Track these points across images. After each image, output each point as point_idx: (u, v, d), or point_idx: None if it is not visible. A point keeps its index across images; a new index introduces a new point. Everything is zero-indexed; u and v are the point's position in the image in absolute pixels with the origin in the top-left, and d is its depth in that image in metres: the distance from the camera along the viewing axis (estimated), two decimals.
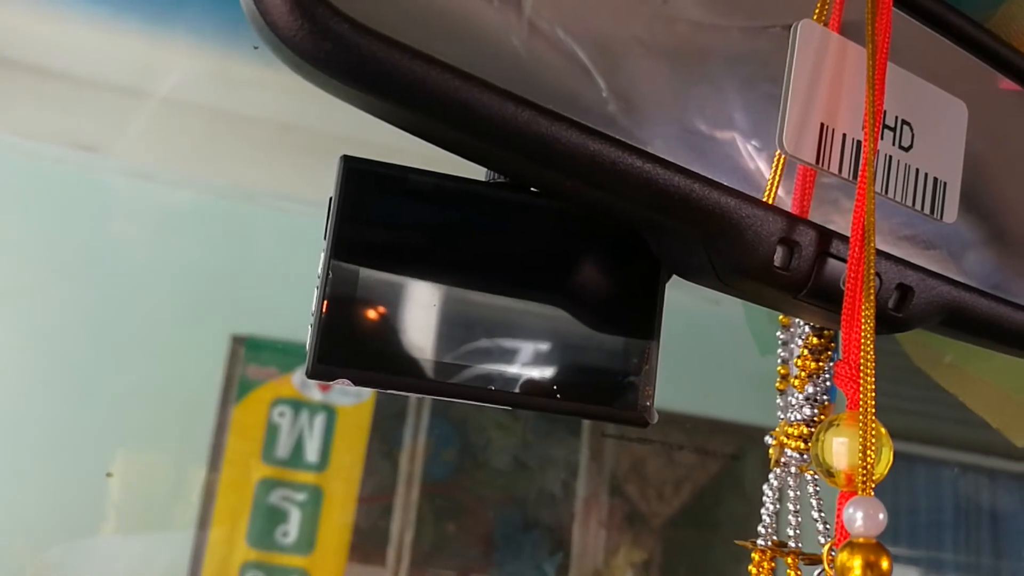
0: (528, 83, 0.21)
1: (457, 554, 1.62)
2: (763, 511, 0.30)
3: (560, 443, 1.67)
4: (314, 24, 0.16)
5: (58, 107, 1.43)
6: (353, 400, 1.66)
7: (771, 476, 0.30)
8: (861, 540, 0.20)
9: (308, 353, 0.24)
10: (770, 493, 0.30)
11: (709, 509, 1.61)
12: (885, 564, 0.20)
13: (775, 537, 0.30)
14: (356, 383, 0.24)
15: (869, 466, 0.20)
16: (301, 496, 1.63)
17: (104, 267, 1.57)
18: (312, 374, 0.23)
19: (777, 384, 0.31)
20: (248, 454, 1.62)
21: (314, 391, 1.65)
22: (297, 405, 1.65)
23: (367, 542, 1.64)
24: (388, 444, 1.69)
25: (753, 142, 0.25)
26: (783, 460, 0.30)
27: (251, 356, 1.65)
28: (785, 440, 0.29)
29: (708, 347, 1.20)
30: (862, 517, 0.20)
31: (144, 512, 1.52)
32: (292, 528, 1.60)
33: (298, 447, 1.66)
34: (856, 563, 0.20)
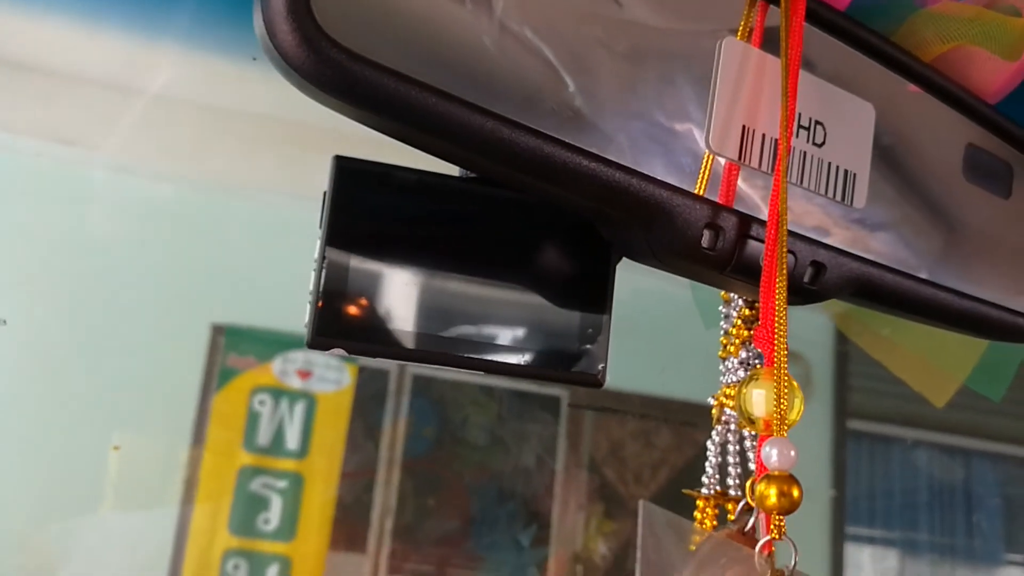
0: (501, 80, 0.25)
1: (437, 527, 1.67)
2: (706, 464, 0.34)
3: (535, 420, 1.72)
4: (318, 54, 0.20)
5: (38, 101, 1.44)
6: (333, 387, 1.69)
7: (713, 433, 0.34)
8: (776, 473, 0.24)
9: (308, 327, 0.28)
10: (712, 448, 0.34)
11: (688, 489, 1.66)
12: (796, 493, 0.24)
13: (718, 487, 0.34)
14: (349, 352, 0.28)
15: (782, 412, 0.24)
16: (282, 483, 1.65)
17: (85, 259, 1.58)
18: (312, 345, 0.27)
19: (720, 353, 0.35)
20: (229, 442, 1.64)
21: (294, 379, 1.67)
22: (277, 393, 1.67)
23: (348, 526, 1.68)
24: (369, 426, 1.72)
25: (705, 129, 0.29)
26: (723, 418, 0.34)
27: (231, 345, 1.67)
28: (724, 400, 0.34)
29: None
30: (776, 454, 0.24)
31: (130, 496, 1.54)
32: (274, 515, 1.63)
33: (279, 435, 1.68)
34: (772, 491, 0.24)
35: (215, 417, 1.66)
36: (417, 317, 0.28)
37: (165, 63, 1.27)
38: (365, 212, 0.29)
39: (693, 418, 1.69)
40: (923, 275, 0.33)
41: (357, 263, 0.28)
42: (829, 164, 0.30)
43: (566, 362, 0.29)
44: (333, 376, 1.65)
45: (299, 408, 1.69)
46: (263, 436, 1.66)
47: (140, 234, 1.59)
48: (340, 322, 0.28)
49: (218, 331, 1.67)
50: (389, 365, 1.69)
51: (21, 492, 1.47)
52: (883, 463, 2.07)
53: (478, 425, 1.66)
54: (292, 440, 1.68)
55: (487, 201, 0.30)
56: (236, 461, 1.65)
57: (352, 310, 0.28)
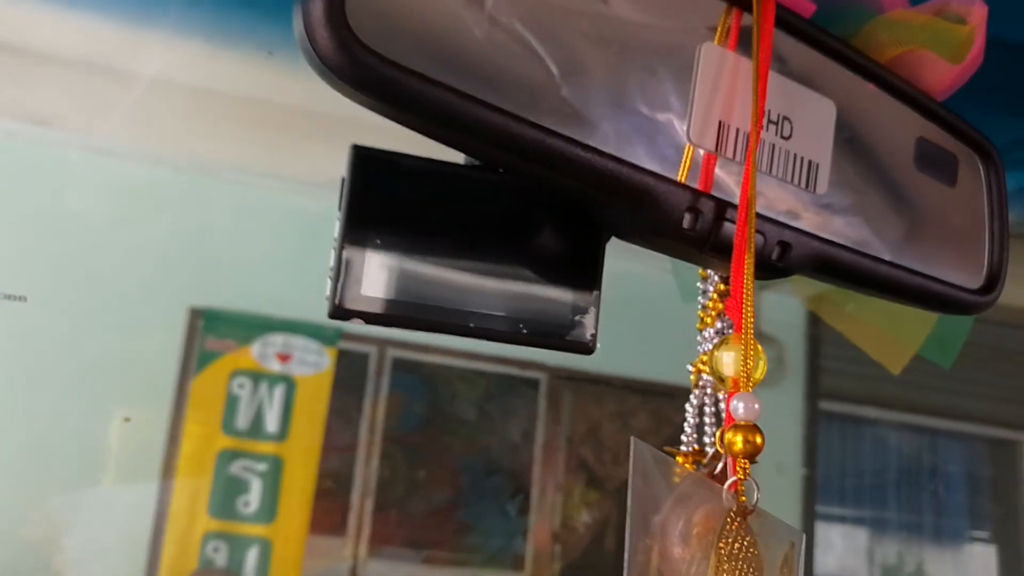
0: (507, 79, 0.28)
1: (426, 498, 1.70)
2: (685, 424, 0.38)
3: (520, 395, 1.75)
4: (353, 58, 0.24)
5: (13, 81, 1.44)
6: (312, 370, 1.70)
7: (692, 396, 0.38)
8: (742, 423, 0.28)
9: (329, 299, 0.31)
10: (690, 409, 0.38)
11: None
12: (759, 440, 0.28)
13: (696, 445, 0.38)
14: (367, 322, 0.31)
15: (748, 371, 0.28)
16: (262, 466, 1.66)
17: (62, 241, 1.59)
18: (333, 315, 0.31)
19: (698, 325, 0.39)
20: (208, 425, 1.65)
21: (273, 362, 1.68)
22: (256, 377, 1.68)
23: (328, 507, 1.70)
24: (349, 408, 1.74)
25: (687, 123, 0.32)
26: (700, 383, 0.38)
27: (209, 328, 1.67)
28: (701, 367, 0.37)
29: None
30: (743, 407, 0.28)
31: (109, 478, 1.55)
32: (253, 498, 1.64)
33: (258, 418, 1.68)
34: (738, 439, 0.28)
35: (194, 400, 1.67)
36: (427, 290, 0.32)
37: (148, 46, 1.28)
38: (380, 196, 0.32)
39: (671, 396, 1.73)
40: (882, 254, 0.36)
41: (372, 242, 0.31)
42: (795, 155, 0.33)
43: (561, 331, 0.33)
44: (312, 359, 1.67)
45: (278, 391, 1.70)
46: (242, 419, 1.67)
47: (118, 216, 1.58)
48: (358, 295, 0.31)
49: (196, 314, 1.67)
50: (369, 349, 1.71)
51: None
52: (854, 443, 2.13)
53: (466, 402, 1.70)
54: (272, 423, 1.69)
55: (490, 186, 0.33)
56: (215, 444, 1.66)
57: (368, 284, 0.31)
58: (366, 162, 0.32)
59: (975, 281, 0.39)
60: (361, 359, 1.75)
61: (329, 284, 0.32)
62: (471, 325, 0.32)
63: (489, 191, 0.33)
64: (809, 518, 1.96)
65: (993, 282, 0.39)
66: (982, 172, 0.40)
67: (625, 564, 0.24)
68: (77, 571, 1.47)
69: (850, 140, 0.37)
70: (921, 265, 0.38)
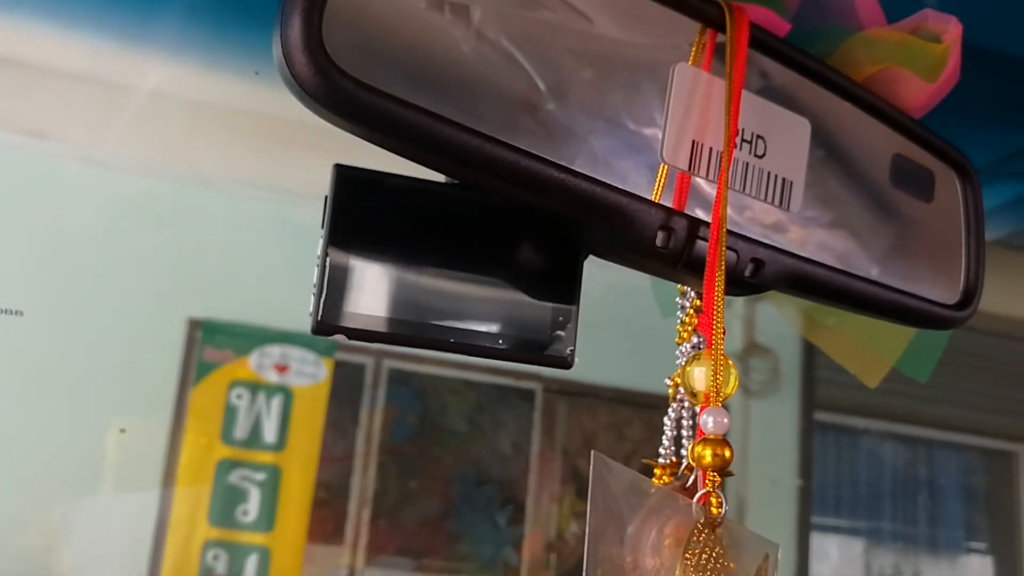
0: (485, 101, 0.28)
1: (419, 508, 1.70)
2: (663, 436, 0.38)
3: (510, 407, 1.76)
4: (330, 83, 0.24)
5: (11, 94, 1.45)
6: (309, 381, 1.71)
7: (669, 410, 0.39)
8: (711, 436, 0.28)
9: (312, 316, 0.32)
10: (668, 422, 0.38)
11: None
12: (727, 454, 0.28)
13: (673, 457, 0.39)
14: (350, 337, 0.32)
15: (718, 385, 0.29)
16: (260, 475, 1.67)
17: (60, 253, 1.59)
18: (316, 331, 0.31)
19: (676, 340, 0.39)
20: (207, 435, 1.65)
21: (271, 373, 1.69)
22: (254, 387, 1.69)
23: (326, 517, 1.70)
24: (345, 419, 1.75)
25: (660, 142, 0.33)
26: (678, 397, 0.38)
27: (207, 339, 1.68)
28: (678, 380, 0.38)
29: None
30: (712, 421, 0.28)
31: (109, 488, 1.55)
32: (252, 507, 1.65)
33: (256, 428, 1.69)
34: (707, 452, 0.28)
35: (193, 411, 1.68)
36: (409, 306, 0.32)
37: (146, 61, 1.29)
38: (362, 214, 0.33)
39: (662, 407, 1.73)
40: (859, 270, 0.37)
41: (355, 258, 0.32)
42: (768, 173, 0.34)
43: (540, 346, 0.33)
44: (310, 370, 1.68)
45: (276, 402, 1.70)
46: (241, 429, 1.68)
47: (114, 228, 1.59)
48: (341, 311, 0.32)
49: (195, 325, 1.68)
50: (365, 360, 1.71)
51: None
52: (849, 454, 2.13)
53: (458, 414, 1.71)
54: (270, 433, 1.69)
55: (469, 205, 0.34)
56: (214, 454, 1.67)
57: (351, 300, 0.32)
58: (348, 181, 0.32)
59: (951, 296, 0.40)
60: (358, 370, 1.76)
61: (312, 300, 0.32)
62: (452, 340, 0.32)
63: (469, 209, 0.34)
64: (804, 529, 1.96)
65: (969, 297, 0.40)
66: (959, 188, 0.41)
67: (584, 573, 0.25)
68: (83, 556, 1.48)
69: (826, 157, 0.38)
70: (898, 281, 0.38)
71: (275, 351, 1.71)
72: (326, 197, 0.33)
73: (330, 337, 0.32)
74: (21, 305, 1.54)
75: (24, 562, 1.46)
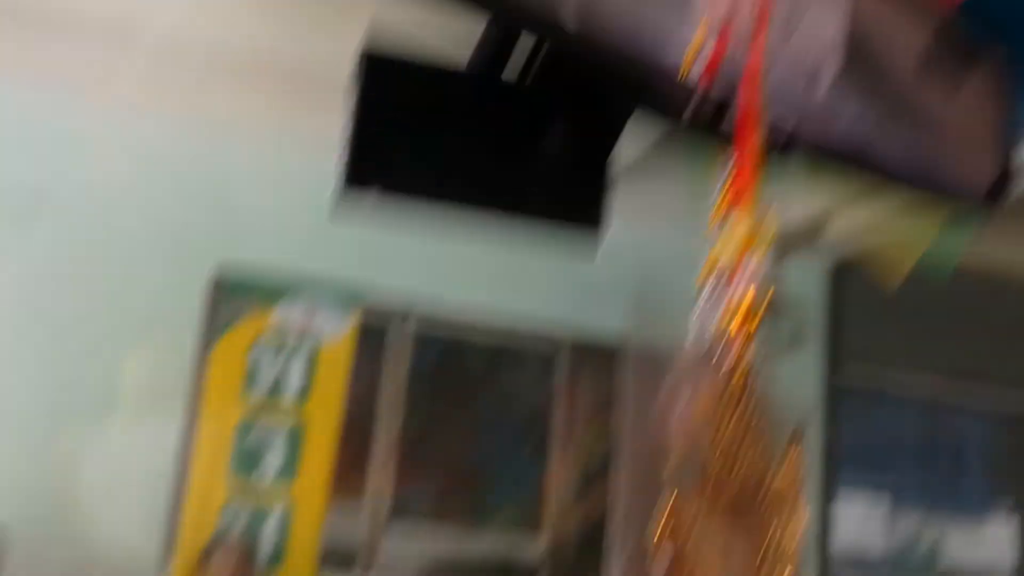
0: None
1: (445, 456, 1.72)
2: (694, 313, 0.38)
3: (533, 339, 1.78)
4: None
5: (35, 47, 1.44)
6: (334, 332, 1.70)
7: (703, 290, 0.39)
8: (741, 298, 0.29)
9: (343, 169, 0.32)
10: (701, 302, 0.38)
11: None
12: (761, 307, 0.29)
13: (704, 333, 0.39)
14: (381, 192, 0.32)
15: (754, 235, 0.29)
16: (283, 429, 1.66)
17: (82, 204, 1.60)
18: (349, 182, 0.32)
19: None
20: (230, 389, 1.65)
21: (295, 326, 1.68)
22: (278, 340, 1.68)
23: (349, 466, 1.71)
24: (370, 372, 1.75)
25: None
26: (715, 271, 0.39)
27: (231, 293, 1.67)
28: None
29: None
30: (748, 270, 0.29)
31: (130, 444, 1.57)
32: (275, 460, 1.65)
33: (279, 381, 1.68)
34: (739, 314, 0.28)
35: (215, 365, 1.67)
36: (439, 175, 0.33)
37: (162, 6, 1.28)
38: (393, 95, 0.33)
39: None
40: (889, 151, 0.37)
41: (385, 128, 0.33)
42: (798, 57, 0.34)
43: (578, 208, 0.34)
44: (335, 322, 1.66)
45: (300, 355, 1.69)
46: (264, 383, 1.67)
47: (139, 179, 1.59)
48: (372, 169, 0.32)
49: (218, 279, 1.67)
50: (390, 309, 1.70)
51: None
52: (874, 414, 2.11)
53: (485, 360, 1.73)
54: (294, 385, 1.68)
55: (495, 89, 0.35)
56: (237, 408, 1.66)
57: (381, 159, 0.32)
58: (377, 61, 0.33)
59: (982, 184, 0.40)
60: (383, 320, 1.76)
61: (343, 157, 0.33)
62: (479, 196, 0.33)
63: (494, 94, 0.34)
64: (830, 488, 1.97)
65: (1001, 185, 0.39)
66: (991, 78, 0.41)
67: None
68: (103, 502, 1.50)
69: (859, 45, 0.38)
70: (929, 166, 0.38)
71: (301, 303, 1.71)
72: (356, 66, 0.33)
73: (363, 193, 0.33)
74: (46, 258, 1.54)
75: (50, 482, 1.49)
